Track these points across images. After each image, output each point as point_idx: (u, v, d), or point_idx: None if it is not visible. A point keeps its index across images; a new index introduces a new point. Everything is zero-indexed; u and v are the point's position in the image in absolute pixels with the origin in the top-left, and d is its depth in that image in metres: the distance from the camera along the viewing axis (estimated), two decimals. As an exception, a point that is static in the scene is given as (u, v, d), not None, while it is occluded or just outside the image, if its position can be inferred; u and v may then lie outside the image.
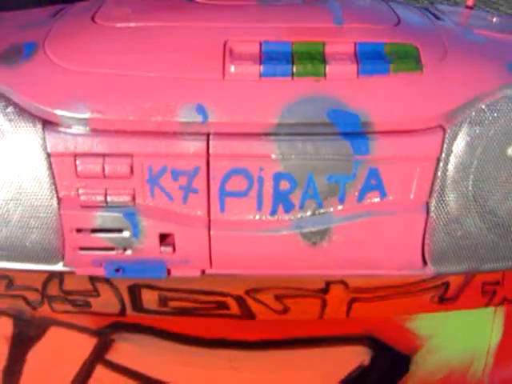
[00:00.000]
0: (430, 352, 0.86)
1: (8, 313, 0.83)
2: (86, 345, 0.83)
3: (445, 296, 0.79)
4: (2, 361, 0.87)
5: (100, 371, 0.85)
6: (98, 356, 0.84)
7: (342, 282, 0.76)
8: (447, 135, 0.63)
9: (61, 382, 0.87)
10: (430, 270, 0.71)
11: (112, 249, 0.69)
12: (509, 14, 4.22)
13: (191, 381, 0.87)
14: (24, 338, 0.85)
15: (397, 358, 0.86)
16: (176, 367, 0.85)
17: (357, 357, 0.84)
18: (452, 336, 0.86)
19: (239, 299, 0.77)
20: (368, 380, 0.87)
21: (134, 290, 0.77)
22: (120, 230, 0.67)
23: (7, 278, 0.77)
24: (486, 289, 0.79)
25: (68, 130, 0.63)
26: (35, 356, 0.85)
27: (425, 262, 0.71)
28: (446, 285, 0.77)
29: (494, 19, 0.78)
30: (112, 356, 0.84)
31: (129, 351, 0.84)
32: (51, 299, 0.78)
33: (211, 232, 0.67)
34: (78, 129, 0.63)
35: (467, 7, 0.91)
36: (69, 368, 0.86)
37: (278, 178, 0.64)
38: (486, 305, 0.80)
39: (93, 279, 0.75)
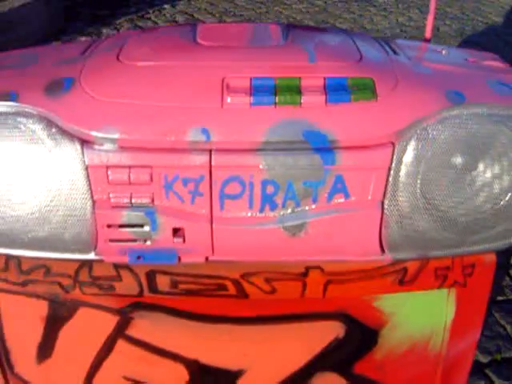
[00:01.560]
0: (394, 327, 0.98)
1: (44, 296, 0.95)
2: (109, 322, 0.96)
3: (404, 279, 0.91)
4: (38, 338, 0.99)
5: (121, 345, 0.98)
6: (119, 332, 0.97)
7: (319, 267, 0.89)
8: (396, 149, 0.77)
9: (87, 355, 0.99)
10: (387, 256, 0.85)
11: (134, 240, 0.83)
12: (498, 21, 4.36)
13: (198, 351, 0.99)
14: (57, 318, 0.97)
15: (366, 332, 0.98)
16: (185, 340, 0.97)
17: (333, 331, 0.97)
18: (412, 314, 0.98)
19: (236, 282, 0.90)
20: (343, 351, 0.99)
21: (151, 275, 0.90)
22: (141, 225, 0.81)
23: (45, 266, 0.90)
24: (438, 273, 0.92)
25: (101, 147, 0.77)
26: (66, 333, 0.98)
27: (382, 250, 0.84)
28: (405, 269, 0.90)
29: (444, 52, 0.92)
30: (131, 331, 0.97)
31: (145, 327, 0.96)
32: (81, 284, 0.92)
33: (213, 226, 0.81)
34: (108, 146, 0.77)
35: (425, 40, 1.08)
36: (94, 343, 0.98)
37: (264, 183, 0.78)
38: (439, 287, 0.93)
39: (116, 266, 0.89)
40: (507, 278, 1.97)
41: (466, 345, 1.02)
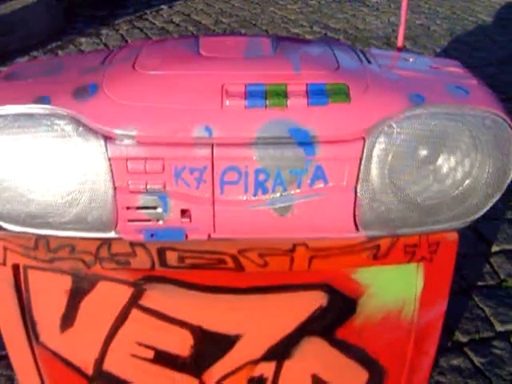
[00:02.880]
0: (371, 297, 1.09)
1: (68, 272, 1.05)
2: (124, 293, 1.07)
3: (377, 254, 1.03)
4: (62, 309, 1.09)
5: (135, 313, 1.08)
6: (133, 302, 1.07)
7: (304, 244, 1.00)
8: (366, 143, 0.89)
9: (105, 323, 1.10)
10: (361, 233, 0.97)
11: (149, 220, 0.94)
12: (487, 21, 4.49)
13: (201, 318, 1.08)
14: (79, 291, 1.07)
15: (346, 302, 1.08)
16: (190, 308, 1.07)
17: (317, 300, 1.07)
18: (386, 285, 1.08)
19: (233, 256, 1.01)
20: (326, 318, 1.10)
21: (161, 251, 1.01)
22: (155, 208, 0.92)
23: (70, 245, 1.01)
24: (407, 249, 1.03)
25: (121, 143, 0.89)
26: (86, 304, 1.08)
27: (357, 228, 0.96)
28: (378, 246, 1.02)
29: (411, 59, 1.04)
30: (144, 301, 1.07)
31: (156, 297, 1.06)
32: (101, 260, 1.02)
33: (215, 208, 0.93)
34: (128, 141, 0.89)
35: (398, 49, 1.22)
36: (111, 312, 1.09)
37: (257, 172, 0.91)
38: (409, 261, 1.05)
39: (132, 244, 1.00)
40: (487, 265, 2.09)
41: (434, 314, 1.12)
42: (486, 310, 1.91)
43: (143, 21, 4.46)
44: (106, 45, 3.97)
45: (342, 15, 4.65)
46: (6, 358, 1.69)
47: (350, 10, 4.77)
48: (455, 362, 1.74)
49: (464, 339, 1.81)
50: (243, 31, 4.22)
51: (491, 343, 1.79)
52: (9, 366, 1.67)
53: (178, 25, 4.38)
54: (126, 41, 4.04)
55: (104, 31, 4.23)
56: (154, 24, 4.39)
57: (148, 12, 4.65)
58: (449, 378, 1.68)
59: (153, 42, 1.10)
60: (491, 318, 1.88)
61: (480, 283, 2.01)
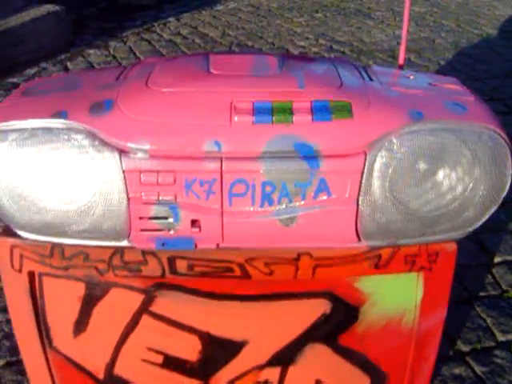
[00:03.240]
0: (372, 305, 1.11)
1: (82, 279, 1.09)
2: (135, 300, 1.10)
3: (379, 264, 1.06)
4: (75, 315, 1.12)
5: (145, 319, 1.11)
6: (144, 308, 1.10)
7: (308, 253, 1.03)
8: (368, 157, 0.93)
9: (116, 329, 1.13)
10: (363, 243, 1.01)
11: (160, 230, 0.98)
12: (492, 33, 4.54)
13: (209, 325, 1.11)
14: (92, 298, 1.10)
15: (349, 309, 1.11)
16: (198, 315, 1.10)
17: (321, 307, 1.10)
18: (387, 293, 1.11)
19: (241, 265, 1.04)
20: (329, 325, 1.12)
21: (171, 259, 1.04)
22: (166, 218, 0.97)
23: (84, 253, 1.05)
24: (407, 259, 1.06)
25: (135, 156, 0.93)
26: (99, 310, 1.11)
27: (359, 238, 1.00)
28: (379, 256, 1.05)
29: (411, 77, 1.10)
30: (154, 308, 1.10)
31: (166, 304, 1.10)
32: (114, 267, 1.06)
33: (223, 219, 0.97)
34: (141, 155, 0.93)
35: (399, 67, 1.28)
36: (123, 318, 1.12)
37: (264, 184, 0.95)
38: (409, 271, 1.07)
39: (143, 252, 1.04)
40: (489, 276, 2.11)
41: (434, 322, 1.15)
42: (488, 319, 1.93)
43: (151, 33, 4.53)
44: (114, 57, 4.04)
45: (348, 28, 4.71)
46: (16, 363, 1.74)
47: (356, 23, 4.83)
48: (457, 370, 1.77)
49: (466, 348, 1.83)
50: (250, 44, 4.28)
51: (492, 353, 1.81)
52: (19, 372, 1.72)
53: (185, 37, 4.46)
54: (134, 53, 4.11)
55: (112, 43, 4.30)
56: (162, 36, 4.47)
57: (156, 24, 4.73)
58: (451, 387, 1.71)
59: (164, 60, 1.15)
60: (493, 328, 1.90)
61: (482, 293, 2.04)
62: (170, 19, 4.91)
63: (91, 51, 4.16)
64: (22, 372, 1.70)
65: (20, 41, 3.82)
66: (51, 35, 4.07)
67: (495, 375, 1.73)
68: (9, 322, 1.84)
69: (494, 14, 5.12)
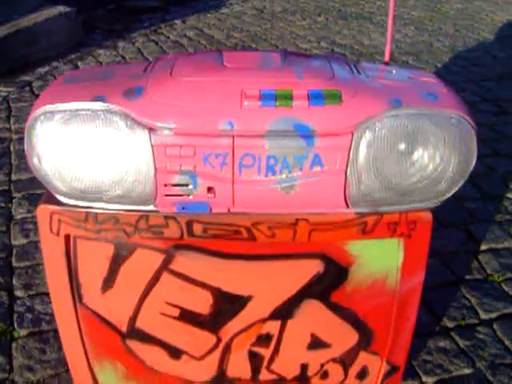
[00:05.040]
0: (360, 266, 1.26)
1: (111, 241, 1.23)
2: (157, 259, 1.24)
3: (365, 229, 1.21)
4: (104, 273, 1.27)
5: (165, 276, 1.25)
6: (164, 266, 1.24)
7: (305, 219, 1.18)
8: (354, 137, 1.10)
9: (140, 285, 1.27)
10: (350, 209, 1.19)
11: (181, 195, 1.14)
12: (489, 38, 4.72)
13: (220, 281, 1.26)
14: (119, 257, 1.24)
15: (339, 269, 1.26)
16: (211, 272, 1.25)
17: (315, 267, 1.25)
18: (373, 256, 1.26)
19: (247, 228, 1.19)
20: (323, 283, 1.27)
21: (189, 223, 1.19)
22: (187, 185, 1.13)
23: (115, 217, 1.20)
24: (389, 226, 1.22)
25: (162, 133, 1.09)
26: (125, 269, 1.26)
27: (347, 205, 1.16)
28: (365, 222, 1.20)
29: (393, 71, 1.29)
30: (173, 266, 1.24)
31: (183, 262, 1.24)
32: (140, 230, 1.20)
33: (234, 186, 1.12)
34: (167, 132, 1.09)
35: (385, 63, 1.49)
36: (145, 275, 1.26)
37: (268, 158, 1.11)
38: (391, 236, 1.22)
39: (166, 217, 1.18)
40: (475, 262, 2.30)
41: (414, 283, 1.30)
42: (472, 300, 2.13)
43: (158, 34, 4.73)
44: (123, 57, 4.24)
45: (349, 32, 4.90)
46: (38, 333, 1.93)
47: (357, 27, 5.02)
48: (441, 343, 1.97)
49: (451, 325, 2.03)
50: (254, 46, 4.48)
51: (476, 329, 2.01)
52: (41, 341, 1.89)
53: (191, 39, 4.65)
54: (142, 53, 4.31)
55: (121, 44, 4.50)
56: (169, 37, 4.66)
57: (162, 26, 4.92)
58: (435, 357, 1.91)
59: (185, 55, 1.36)
60: (476, 307, 2.11)
61: (468, 277, 2.24)
62: (176, 21, 5.10)
63: (101, 51, 4.35)
64: (44, 341, 1.91)
65: (33, 40, 4.05)
66: (63, 35, 4.28)
67: (477, 348, 1.93)
68: (30, 297, 2.06)
69: (492, 19, 5.30)
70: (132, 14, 5.11)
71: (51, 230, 1.24)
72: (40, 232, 1.25)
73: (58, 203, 1.22)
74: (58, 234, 1.24)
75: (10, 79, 3.86)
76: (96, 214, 1.21)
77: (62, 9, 4.25)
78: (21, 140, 3.18)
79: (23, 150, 2.85)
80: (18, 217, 2.57)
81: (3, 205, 2.66)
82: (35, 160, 1.17)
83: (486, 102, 3.69)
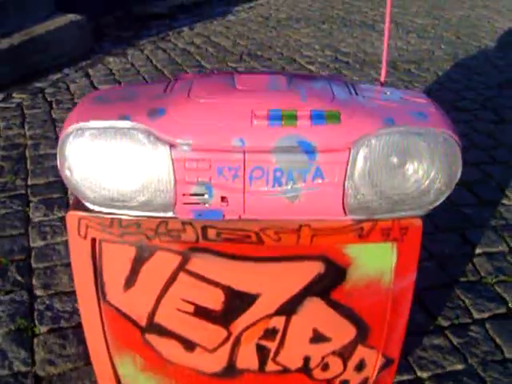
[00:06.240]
0: (357, 267, 1.36)
1: (134, 244, 1.34)
2: (174, 260, 1.34)
3: (361, 234, 1.31)
4: (126, 273, 1.37)
5: (181, 276, 1.36)
6: (181, 267, 1.35)
7: (307, 225, 1.29)
8: (352, 152, 1.21)
9: (158, 284, 1.37)
10: (348, 216, 1.32)
11: (198, 204, 1.25)
12: (490, 45, 4.85)
13: (231, 280, 1.36)
14: (140, 259, 1.35)
15: (338, 270, 1.37)
16: (223, 272, 1.36)
17: (317, 268, 1.36)
18: (369, 258, 1.36)
19: (256, 233, 1.30)
20: (323, 282, 1.38)
21: (204, 228, 1.30)
22: (203, 195, 1.24)
23: (137, 223, 1.31)
24: (383, 232, 1.32)
25: (181, 149, 1.21)
26: (145, 269, 1.36)
27: (345, 213, 1.28)
28: (362, 228, 1.31)
29: (388, 93, 1.44)
30: (189, 266, 1.35)
31: (198, 263, 1.34)
32: (160, 234, 1.31)
33: (245, 196, 1.24)
34: (186, 148, 1.21)
35: (381, 84, 1.65)
36: (164, 275, 1.36)
37: (275, 170, 1.22)
38: (385, 241, 1.33)
39: (183, 222, 1.29)
40: (470, 265, 2.46)
41: (406, 283, 1.41)
42: (466, 300, 2.29)
43: (166, 42, 4.88)
44: (132, 64, 4.40)
45: (352, 40, 5.03)
46: (58, 330, 2.08)
47: (360, 35, 5.14)
48: (436, 341, 2.12)
49: (445, 324, 2.18)
50: (259, 53, 4.62)
51: (469, 328, 2.17)
52: (61, 336, 2.05)
53: (198, 46, 4.80)
54: (151, 61, 4.46)
55: (130, 51, 4.65)
56: (177, 45, 4.80)
57: (170, 33, 5.07)
58: (430, 354, 2.06)
59: (200, 77, 1.53)
60: (470, 308, 2.26)
61: (462, 279, 2.40)
62: (184, 28, 5.24)
63: (111, 59, 4.50)
64: (64, 337, 2.07)
65: (45, 48, 4.23)
66: (74, 43, 4.45)
67: (469, 346, 2.08)
68: (49, 296, 2.22)
69: (494, 26, 5.42)
70: (140, 20, 5.25)
71: (79, 233, 1.36)
72: (69, 236, 1.36)
73: (86, 210, 1.34)
74: (85, 238, 1.36)
75: (23, 86, 4.02)
76: (120, 219, 1.32)
77: (73, 17, 4.40)
78: (35, 146, 3.35)
79: (38, 156, 3.03)
80: (36, 220, 2.73)
81: (21, 208, 2.82)
82: (67, 171, 1.29)
83: (485, 110, 3.83)
